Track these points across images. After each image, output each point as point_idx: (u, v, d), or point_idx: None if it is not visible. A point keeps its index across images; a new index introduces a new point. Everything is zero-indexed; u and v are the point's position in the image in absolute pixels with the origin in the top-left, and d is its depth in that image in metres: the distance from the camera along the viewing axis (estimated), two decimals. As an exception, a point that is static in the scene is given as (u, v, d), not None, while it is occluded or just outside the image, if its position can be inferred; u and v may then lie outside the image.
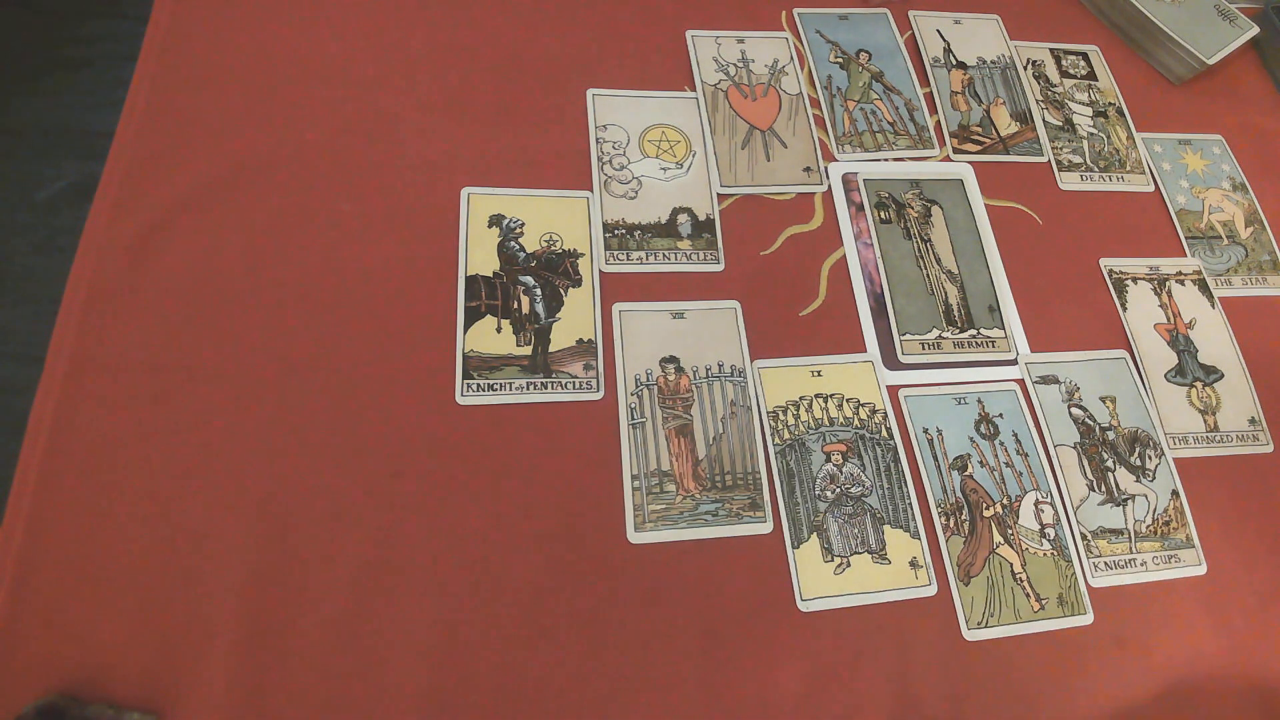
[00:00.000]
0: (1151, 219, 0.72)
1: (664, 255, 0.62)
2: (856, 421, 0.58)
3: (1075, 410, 0.61)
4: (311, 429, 0.52)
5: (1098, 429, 0.60)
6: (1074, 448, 0.59)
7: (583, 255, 0.61)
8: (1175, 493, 0.59)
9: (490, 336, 0.57)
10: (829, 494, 0.55)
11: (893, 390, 0.60)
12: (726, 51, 0.72)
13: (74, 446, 0.50)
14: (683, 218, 0.64)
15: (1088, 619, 0.54)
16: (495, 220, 0.61)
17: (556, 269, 0.60)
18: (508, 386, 0.55)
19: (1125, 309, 0.66)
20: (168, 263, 0.55)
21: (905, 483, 0.56)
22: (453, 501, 0.52)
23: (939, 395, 0.60)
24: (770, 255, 0.64)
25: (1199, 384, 0.64)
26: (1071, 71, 0.78)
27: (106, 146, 0.58)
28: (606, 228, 0.62)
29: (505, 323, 0.57)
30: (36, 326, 0.53)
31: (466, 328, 0.57)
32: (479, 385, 0.55)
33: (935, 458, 0.58)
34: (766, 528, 0.54)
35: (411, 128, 0.63)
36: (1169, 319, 0.66)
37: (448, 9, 0.69)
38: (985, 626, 0.53)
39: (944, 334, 0.62)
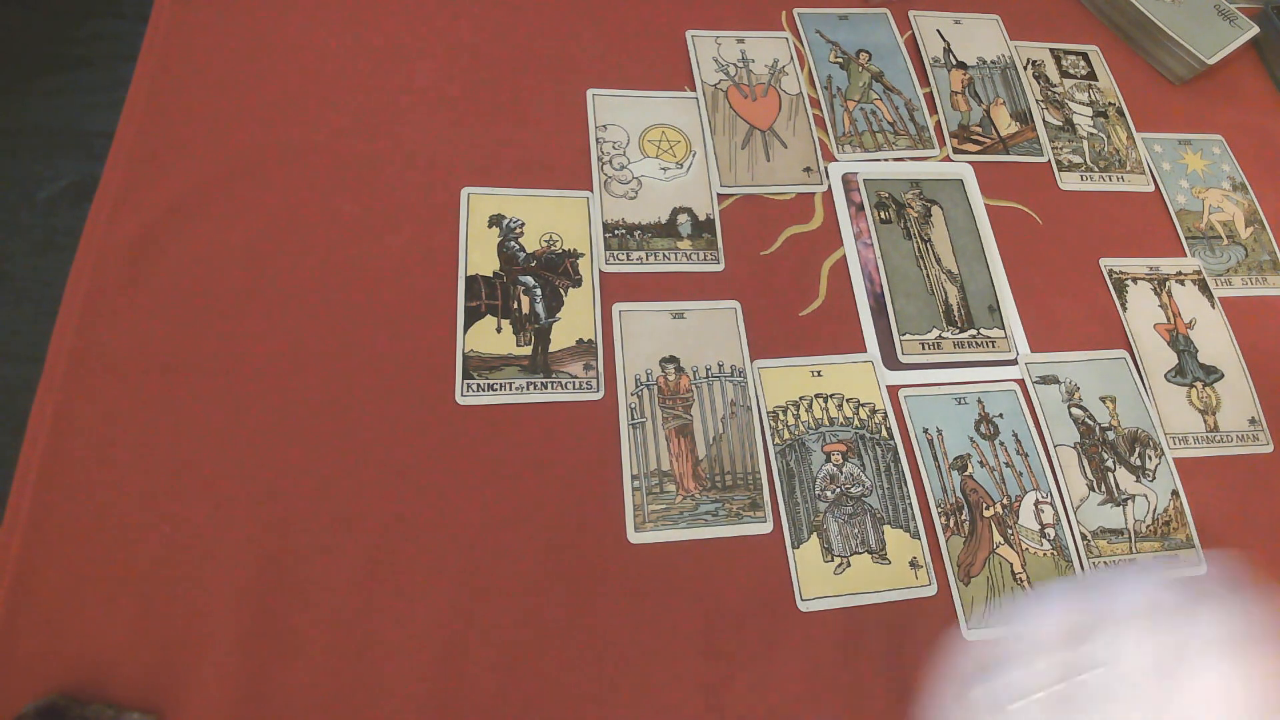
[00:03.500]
0: (1151, 219, 0.72)
1: (664, 255, 0.62)
2: (856, 421, 0.58)
3: (1075, 410, 0.61)
4: (311, 429, 0.52)
5: (1098, 429, 0.60)
6: (1074, 448, 0.59)
7: (583, 255, 0.61)
8: (1175, 493, 0.59)
9: (490, 336, 0.57)
10: (829, 494, 0.55)
11: (893, 390, 0.60)
12: (726, 51, 0.72)
13: (74, 446, 0.50)
14: (683, 218, 0.64)
15: (1088, 619, 0.54)
16: (495, 220, 0.61)
17: (556, 269, 0.60)
18: (508, 386, 0.55)
19: (1125, 309, 0.66)
20: (168, 263, 0.55)
21: (905, 483, 0.56)
22: (453, 501, 0.52)
23: (939, 395, 0.60)
24: (770, 255, 0.64)
25: (1199, 384, 0.64)
26: (1071, 71, 0.78)
27: (106, 146, 0.58)
28: (606, 228, 0.62)
29: (505, 323, 0.57)
30: (36, 326, 0.53)
31: (466, 328, 0.57)
32: (479, 385, 0.55)
33: (935, 458, 0.58)
34: (766, 528, 0.54)
35: (411, 127, 0.63)
36: (1169, 319, 0.66)
37: (448, 9, 0.69)
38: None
39: (944, 334, 0.62)
